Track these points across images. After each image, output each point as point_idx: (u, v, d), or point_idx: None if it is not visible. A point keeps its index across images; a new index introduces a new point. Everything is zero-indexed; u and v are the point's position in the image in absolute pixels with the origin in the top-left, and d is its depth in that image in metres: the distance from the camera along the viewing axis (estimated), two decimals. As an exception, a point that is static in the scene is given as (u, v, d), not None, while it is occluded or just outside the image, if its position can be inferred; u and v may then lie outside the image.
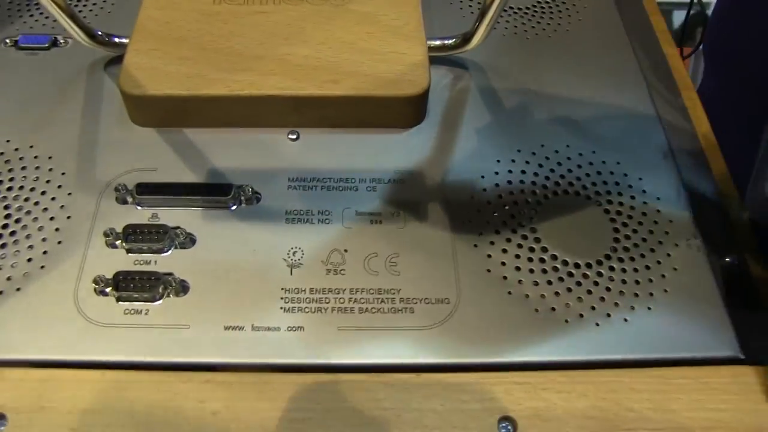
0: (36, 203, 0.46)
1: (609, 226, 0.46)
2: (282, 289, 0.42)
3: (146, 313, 0.41)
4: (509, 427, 0.38)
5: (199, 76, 0.49)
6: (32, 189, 0.46)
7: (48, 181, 0.47)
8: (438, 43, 0.55)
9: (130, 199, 0.46)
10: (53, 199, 0.46)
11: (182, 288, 0.42)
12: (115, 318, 0.41)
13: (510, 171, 0.49)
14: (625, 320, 0.42)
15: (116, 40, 0.53)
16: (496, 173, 0.49)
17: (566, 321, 0.42)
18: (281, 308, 0.41)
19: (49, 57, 0.56)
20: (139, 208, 0.46)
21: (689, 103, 0.55)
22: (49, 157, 0.48)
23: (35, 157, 0.48)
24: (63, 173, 0.47)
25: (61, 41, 0.56)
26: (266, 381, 0.39)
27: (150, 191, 0.46)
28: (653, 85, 0.56)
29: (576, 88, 0.55)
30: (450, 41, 0.55)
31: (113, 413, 0.37)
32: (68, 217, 0.45)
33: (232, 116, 0.49)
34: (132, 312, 0.41)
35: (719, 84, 0.78)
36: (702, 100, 0.56)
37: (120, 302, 0.41)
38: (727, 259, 0.45)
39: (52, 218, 0.45)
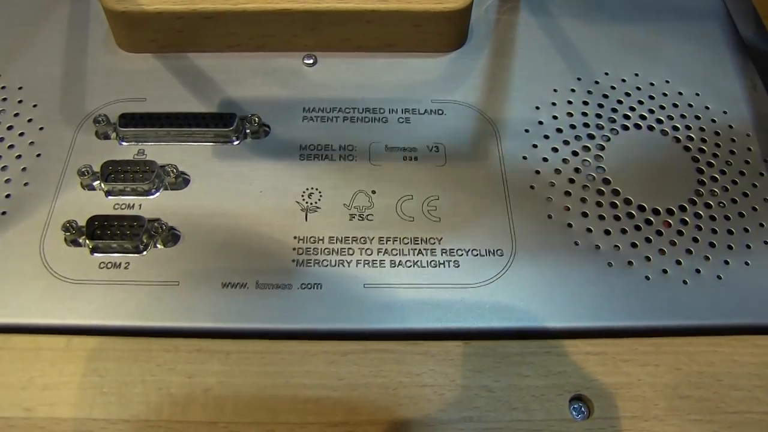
0: (0, 140, 0.38)
1: (691, 166, 0.39)
2: (295, 237, 0.35)
3: (126, 267, 0.34)
4: (583, 409, 0.30)
5: (197, -11, 0.41)
6: (-4, 124, 0.39)
7: (16, 115, 0.40)
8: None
9: (112, 134, 0.38)
10: (21, 134, 0.39)
11: (171, 237, 0.35)
12: (88, 273, 0.34)
13: (570, 102, 0.41)
14: (719, 277, 0.35)
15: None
16: (554, 104, 0.41)
17: (647, 278, 0.35)
18: (293, 261, 0.34)
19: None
20: (123, 143, 0.38)
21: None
22: (19, 88, 0.41)
23: (2, 87, 0.41)
24: (35, 105, 0.40)
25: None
26: (273, 350, 0.31)
27: (136, 123, 0.38)
28: (733, 4, 0.47)
29: (643, 7, 0.47)
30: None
31: (79, 390, 0.30)
32: (38, 155, 0.38)
33: (236, 37, 0.42)
34: (109, 266, 0.34)
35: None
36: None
37: (95, 254, 0.34)
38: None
39: (18, 156, 0.38)
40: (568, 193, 0.37)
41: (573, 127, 0.40)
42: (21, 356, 0.31)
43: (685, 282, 0.34)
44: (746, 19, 0.47)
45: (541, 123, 0.40)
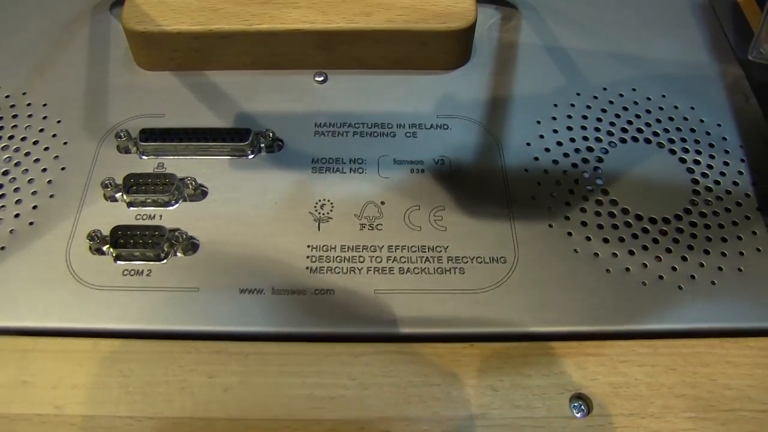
0: (27, 154, 0.40)
1: (686, 177, 0.40)
2: (308, 246, 0.37)
3: (149, 274, 0.35)
4: (583, 407, 0.31)
5: (213, 10, 0.43)
6: (23, 138, 0.41)
7: (41, 130, 0.41)
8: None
9: (133, 148, 0.40)
10: (46, 149, 0.40)
11: (191, 245, 0.36)
12: (112, 280, 0.35)
13: (569, 116, 0.43)
14: (713, 283, 0.36)
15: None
16: (554, 118, 0.43)
17: (643, 283, 0.36)
18: (307, 268, 0.36)
19: (47, -2, 0.50)
20: (143, 157, 0.40)
21: None
22: (44, 105, 0.43)
23: (28, 104, 0.43)
24: (58, 121, 0.42)
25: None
26: (289, 352, 0.33)
27: (156, 137, 0.40)
28: (726, 22, 0.49)
29: (640, 25, 0.49)
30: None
31: (105, 389, 0.31)
32: (62, 169, 0.40)
33: (250, 56, 0.44)
34: (132, 273, 0.35)
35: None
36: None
37: (118, 261, 0.36)
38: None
39: (44, 170, 0.40)
40: (568, 204, 0.39)
41: (573, 140, 0.41)
42: (51, 357, 0.32)
43: (680, 287, 0.36)
44: (739, 33, 0.49)
45: (542, 137, 0.42)
